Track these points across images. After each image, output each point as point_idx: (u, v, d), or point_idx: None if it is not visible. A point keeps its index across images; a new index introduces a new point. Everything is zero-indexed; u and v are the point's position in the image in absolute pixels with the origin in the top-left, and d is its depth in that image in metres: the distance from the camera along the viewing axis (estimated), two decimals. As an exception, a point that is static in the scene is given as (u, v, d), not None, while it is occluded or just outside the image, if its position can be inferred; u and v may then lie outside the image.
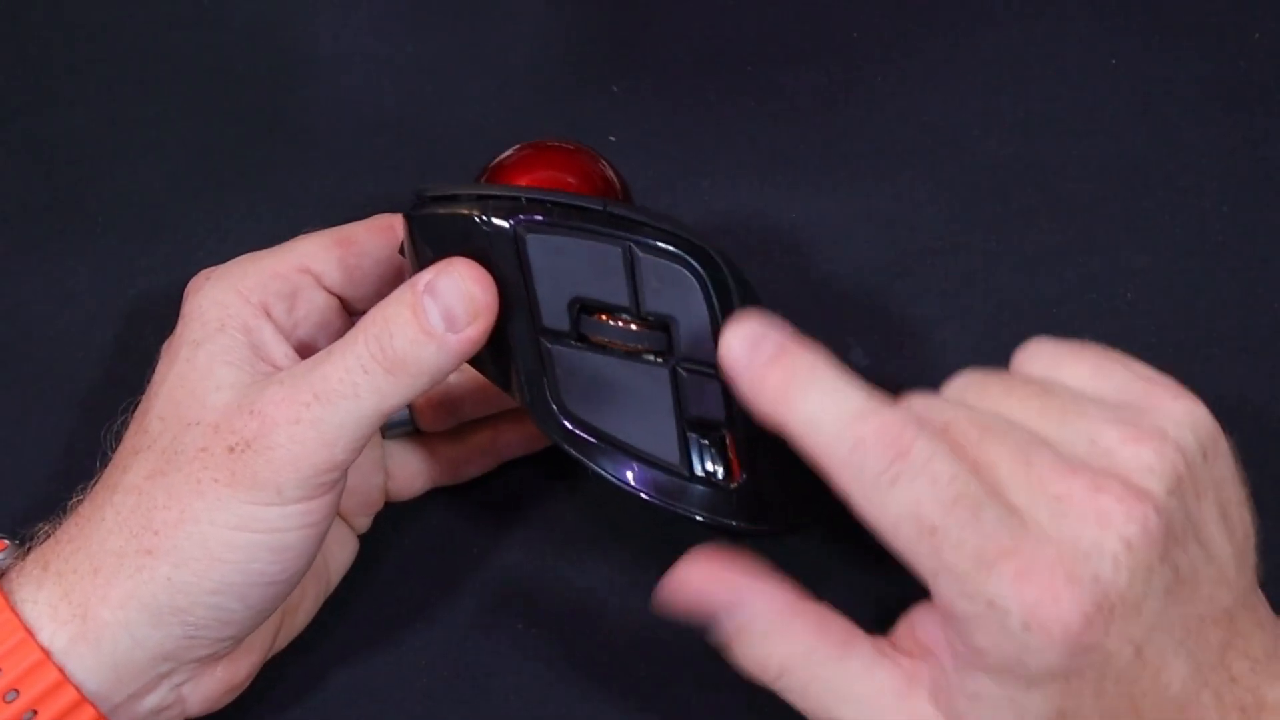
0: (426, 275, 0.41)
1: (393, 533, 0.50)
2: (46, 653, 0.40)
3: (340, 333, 0.43)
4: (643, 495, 0.42)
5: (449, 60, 0.61)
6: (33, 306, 0.56)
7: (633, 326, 0.42)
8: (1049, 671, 0.35)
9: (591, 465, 0.42)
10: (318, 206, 0.57)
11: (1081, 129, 0.58)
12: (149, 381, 0.44)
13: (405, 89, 0.60)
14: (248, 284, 0.44)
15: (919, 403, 0.38)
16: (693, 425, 0.42)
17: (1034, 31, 0.61)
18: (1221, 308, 0.54)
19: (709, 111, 0.60)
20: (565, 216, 0.41)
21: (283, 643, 0.47)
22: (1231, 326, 0.54)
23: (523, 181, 0.47)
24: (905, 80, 0.60)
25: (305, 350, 0.44)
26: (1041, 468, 0.36)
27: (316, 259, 0.46)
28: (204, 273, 0.45)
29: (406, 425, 0.49)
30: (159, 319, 0.47)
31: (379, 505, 0.49)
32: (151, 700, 0.42)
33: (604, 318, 0.42)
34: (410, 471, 0.50)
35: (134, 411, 0.44)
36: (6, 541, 0.44)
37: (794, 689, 0.39)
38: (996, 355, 0.53)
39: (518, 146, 0.48)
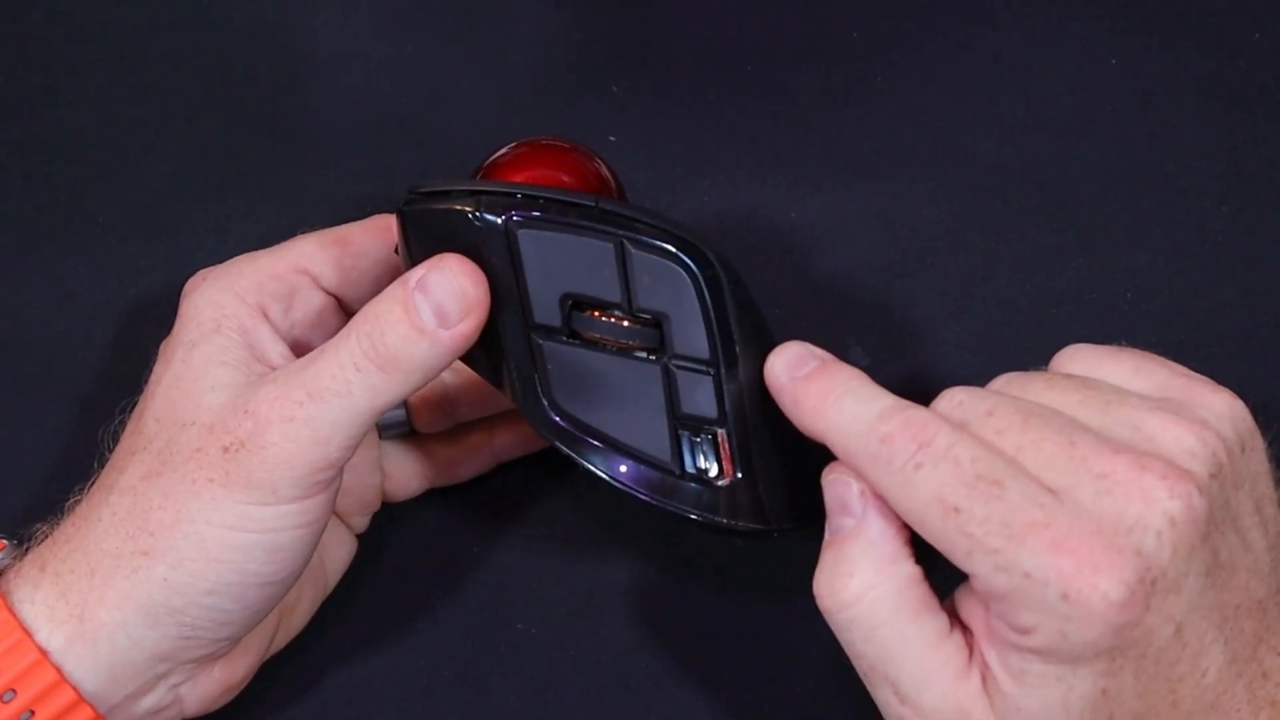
0: (418, 272, 0.41)
1: (390, 533, 0.50)
2: (44, 652, 0.40)
3: (337, 333, 0.43)
4: (633, 492, 0.42)
5: (449, 60, 0.61)
6: (33, 306, 0.56)
7: (625, 323, 0.42)
8: (1092, 646, 0.35)
9: (582, 462, 0.42)
10: (317, 206, 0.57)
11: (1081, 129, 0.58)
12: (146, 382, 0.44)
13: (405, 89, 0.60)
14: (244, 284, 0.44)
15: (962, 393, 0.39)
16: (684, 422, 0.42)
17: (1034, 31, 0.61)
18: (1221, 308, 0.54)
19: (709, 111, 0.59)
20: (558, 212, 0.41)
21: (280, 643, 0.47)
22: (1231, 326, 0.54)
23: (517, 179, 0.47)
24: (905, 80, 0.60)
25: (302, 350, 0.44)
26: (1085, 448, 0.36)
27: (313, 259, 0.46)
28: (201, 273, 0.45)
29: (403, 426, 0.49)
30: (158, 319, 0.47)
31: (376, 505, 0.49)
32: (149, 700, 0.42)
33: (596, 314, 0.42)
34: (407, 472, 0.50)
35: (131, 412, 0.44)
36: (4, 541, 0.44)
37: (859, 627, 0.38)
38: (996, 355, 0.54)
39: (513, 144, 0.48)
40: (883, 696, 0.38)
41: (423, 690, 0.48)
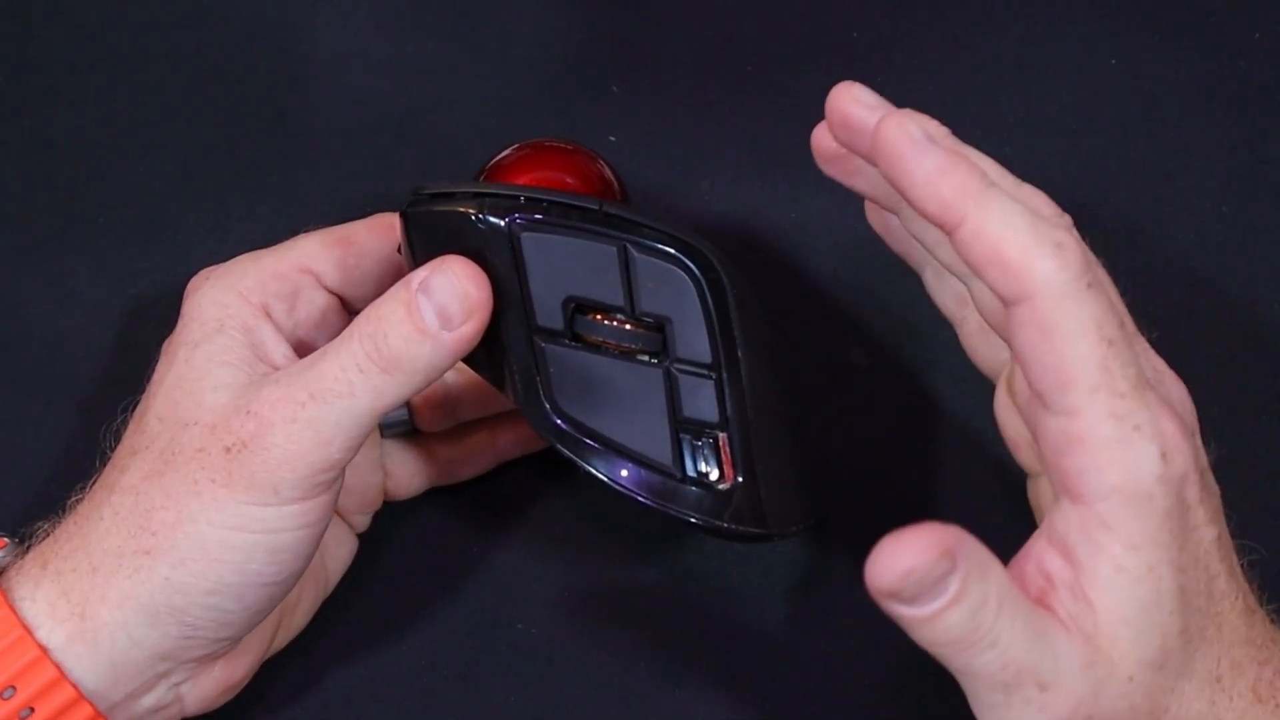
0: (421, 273, 0.41)
1: (391, 533, 0.50)
2: (44, 650, 0.40)
3: (340, 332, 0.43)
4: (634, 496, 0.42)
5: (449, 60, 0.61)
6: (33, 306, 0.56)
7: (627, 326, 0.42)
8: (1167, 513, 0.35)
9: (584, 465, 0.42)
10: (318, 206, 0.57)
11: (1081, 129, 0.58)
12: (148, 381, 0.44)
13: (405, 89, 0.60)
14: (247, 284, 0.44)
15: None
16: (686, 426, 0.42)
17: (1034, 31, 0.61)
18: (1221, 308, 0.54)
19: (709, 111, 0.59)
20: (561, 216, 0.41)
21: (281, 642, 0.47)
22: (1231, 326, 0.54)
23: (520, 181, 0.47)
24: (905, 80, 0.60)
25: (305, 350, 0.44)
26: (1140, 343, 0.39)
27: (316, 258, 0.46)
28: (204, 272, 0.45)
29: (404, 425, 0.49)
30: (159, 319, 0.47)
31: (377, 505, 0.49)
32: (149, 699, 0.42)
33: (598, 317, 0.42)
34: (408, 471, 0.50)
35: (133, 411, 0.44)
36: (6, 540, 0.44)
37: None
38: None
39: (516, 146, 0.48)
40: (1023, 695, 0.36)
41: (423, 690, 0.48)
